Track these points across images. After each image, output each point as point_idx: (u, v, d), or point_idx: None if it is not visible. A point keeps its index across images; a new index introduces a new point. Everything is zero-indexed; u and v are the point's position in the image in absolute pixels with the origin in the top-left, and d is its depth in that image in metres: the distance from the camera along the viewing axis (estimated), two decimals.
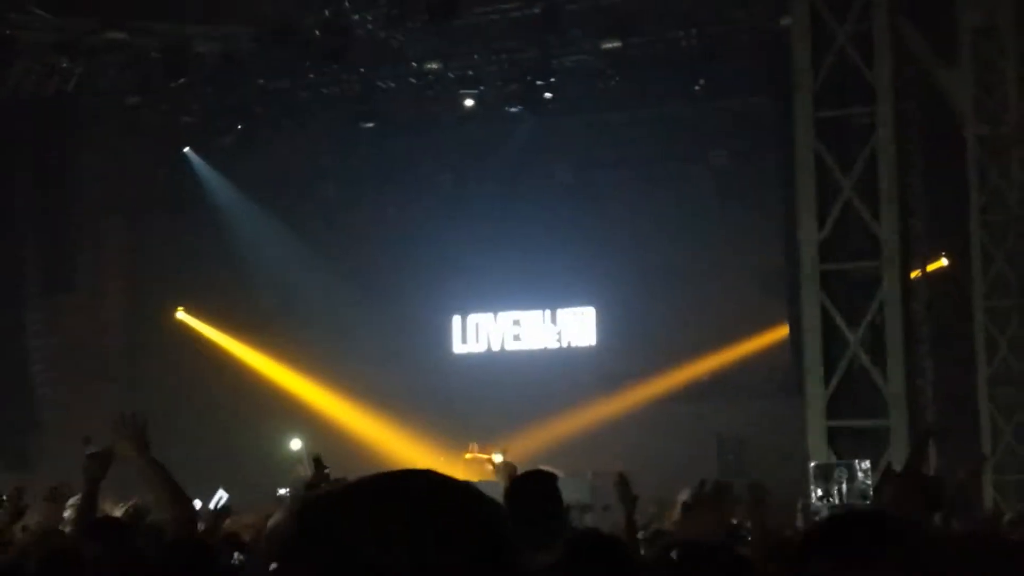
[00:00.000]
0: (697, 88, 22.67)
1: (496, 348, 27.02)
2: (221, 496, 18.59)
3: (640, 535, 8.50)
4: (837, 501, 13.11)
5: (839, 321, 13.64)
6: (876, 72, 13.52)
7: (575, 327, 26.95)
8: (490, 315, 27.11)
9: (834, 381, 13.59)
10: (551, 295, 26.73)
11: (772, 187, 23.40)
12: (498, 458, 24.41)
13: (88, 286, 25.99)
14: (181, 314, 27.46)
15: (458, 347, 27.12)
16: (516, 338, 27.15)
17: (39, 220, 24.57)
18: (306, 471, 23.58)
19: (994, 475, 19.40)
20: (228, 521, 9.79)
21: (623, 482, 7.58)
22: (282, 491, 21.48)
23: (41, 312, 25.15)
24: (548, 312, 27.05)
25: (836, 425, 13.77)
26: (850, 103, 13.85)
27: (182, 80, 22.57)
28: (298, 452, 24.66)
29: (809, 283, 13.76)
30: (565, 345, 26.95)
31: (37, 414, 24.15)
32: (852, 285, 14.07)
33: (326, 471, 8.48)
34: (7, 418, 23.49)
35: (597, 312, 26.66)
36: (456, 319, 27.16)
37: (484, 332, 27.22)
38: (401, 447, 25.50)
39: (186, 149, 25.80)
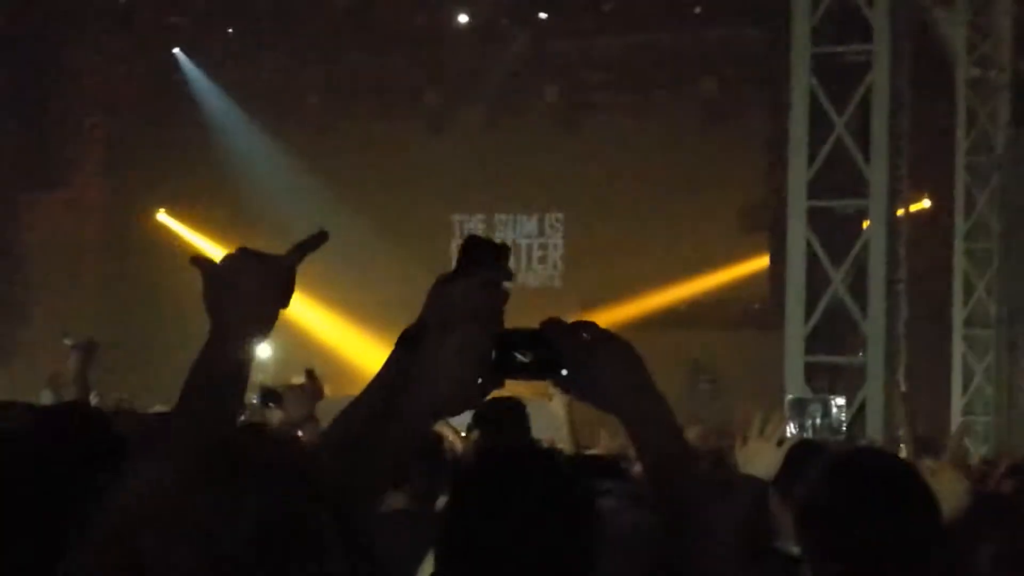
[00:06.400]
0: (692, 15, 22.62)
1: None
2: None
3: None
4: (810, 435, 13.28)
5: (823, 258, 13.75)
6: (875, 10, 13.53)
7: (551, 248, 27.07)
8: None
9: (814, 318, 13.73)
10: (530, 215, 26.79)
11: (759, 119, 23.43)
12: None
13: (69, 183, 25.91)
14: (162, 215, 27.42)
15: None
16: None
17: (23, 114, 24.42)
18: (269, 377, 23.67)
19: (963, 416, 19.67)
20: None
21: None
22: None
23: (21, 207, 25.11)
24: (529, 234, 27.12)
25: (813, 361, 13.93)
26: (847, 40, 13.87)
27: None
28: (263, 360, 24.68)
29: (796, 220, 13.86)
30: (538, 265, 27.04)
31: (16, 307, 24.21)
32: (837, 222, 14.17)
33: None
34: None
35: (571, 235, 26.70)
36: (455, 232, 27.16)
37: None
38: (373, 358, 25.60)
39: (175, 50, 25.61)
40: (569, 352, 2.41)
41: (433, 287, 2.56)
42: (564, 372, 2.42)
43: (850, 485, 2.87)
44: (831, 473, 2.96)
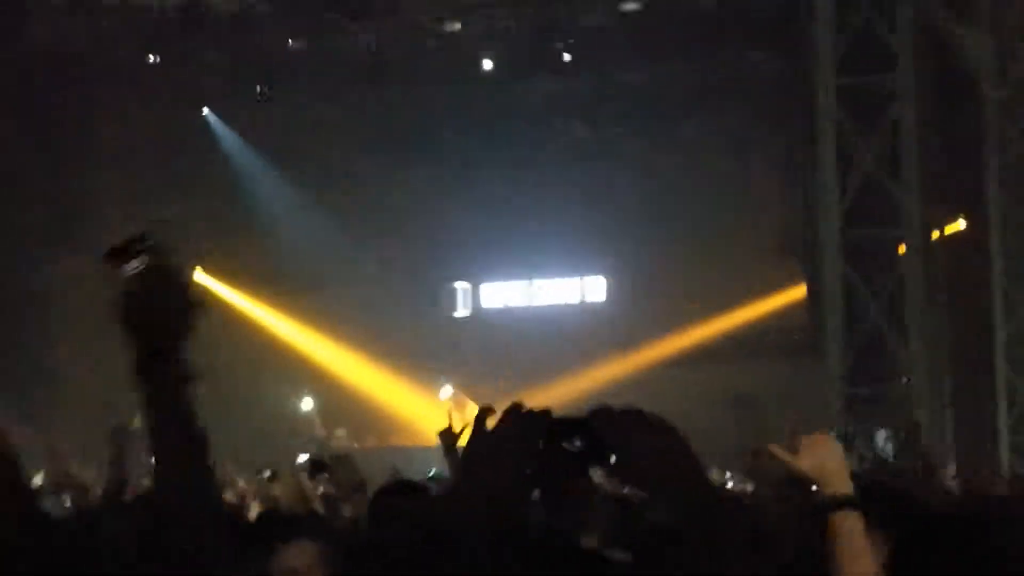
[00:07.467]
0: (716, 48, 22.62)
1: (514, 304, 27.15)
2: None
3: None
4: (856, 467, 13.19)
5: (860, 288, 13.67)
6: (898, 39, 13.49)
7: (590, 284, 27.10)
8: (507, 282, 27.25)
9: (854, 349, 13.65)
10: (565, 253, 26.71)
11: (787, 146, 23.32)
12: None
13: (100, 242, 26.03)
14: (198, 274, 27.51)
15: (460, 311, 27.27)
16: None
17: (54, 176, 24.60)
18: (320, 431, 23.72)
19: (1010, 436, 19.46)
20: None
21: None
22: (303, 458, 21.49)
23: (54, 269, 25.24)
24: (562, 276, 27.14)
25: (855, 392, 13.84)
26: (870, 70, 13.82)
27: (197, 40, 22.64)
28: (309, 412, 24.71)
29: (830, 251, 13.80)
30: (578, 301, 27.04)
31: (47, 370, 24.31)
32: (872, 251, 14.11)
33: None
34: (19, 374, 23.55)
35: (610, 270, 26.69)
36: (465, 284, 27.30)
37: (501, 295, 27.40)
38: (411, 406, 25.73)
39: (204, 110, 25.81)
40: (616, 440, 2.44)
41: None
42: (612, 460, 2.42)
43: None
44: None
